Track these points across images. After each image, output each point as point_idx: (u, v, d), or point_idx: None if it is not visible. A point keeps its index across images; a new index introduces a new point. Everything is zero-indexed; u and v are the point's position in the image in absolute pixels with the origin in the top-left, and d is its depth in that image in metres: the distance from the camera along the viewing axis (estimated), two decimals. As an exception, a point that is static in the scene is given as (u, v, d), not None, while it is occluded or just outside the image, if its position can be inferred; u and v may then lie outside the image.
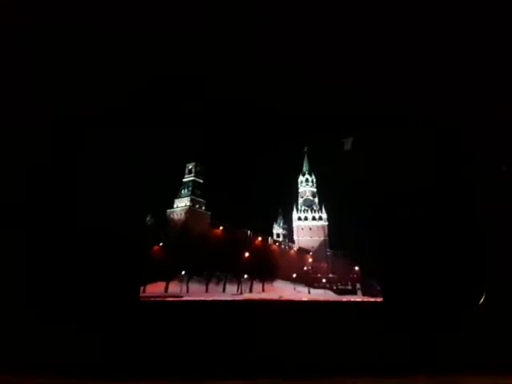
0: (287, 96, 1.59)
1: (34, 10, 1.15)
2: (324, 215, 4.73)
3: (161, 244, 3.44)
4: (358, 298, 3.50)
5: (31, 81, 1.30)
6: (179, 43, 1.31)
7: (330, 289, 3.96)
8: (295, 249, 4.66)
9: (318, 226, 4.79)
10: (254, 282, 3.76)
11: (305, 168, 4.90)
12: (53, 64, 1.31)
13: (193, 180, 4.61)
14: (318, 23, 1.20)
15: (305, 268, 4.28)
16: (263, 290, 3.79)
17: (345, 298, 3.56)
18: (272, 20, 1.20)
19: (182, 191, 4.62)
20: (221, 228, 4.18)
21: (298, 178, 4.93)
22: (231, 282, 3.69)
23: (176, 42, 1.29)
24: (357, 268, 3.68)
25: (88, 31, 1.21)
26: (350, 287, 3.78)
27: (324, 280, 4.06)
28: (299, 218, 4.86)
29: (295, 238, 4.79)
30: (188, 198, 4.58)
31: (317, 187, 4.86)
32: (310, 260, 4.47)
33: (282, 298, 3.40)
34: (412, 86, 1.42)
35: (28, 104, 1.35)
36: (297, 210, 4.92)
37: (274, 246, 4.54)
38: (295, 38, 1.27)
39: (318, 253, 4.59)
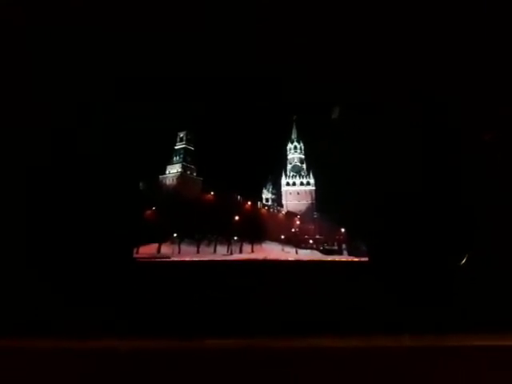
0: (276, 66, 1.63)
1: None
2: (312, 180, 4.88)
3: (153, 208, 3.51)
4: (343, 257, 3.61)
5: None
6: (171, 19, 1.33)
7: (317, 249, 4.09)
8: (283, 212, 4.80)
9: (305, 191, 4.92)
10: (244, 244, 3.90)
11: (293, 135, 4.94)
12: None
13: (184, 147, 4.67)
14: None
15: (292, 230, 4.42)
16: (252, 251, 3.92)
17: (331, 258, 3.67)
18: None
19: (174, 158, 4.68)
20: (212, 193, 4.24)
21: (286, 145, 5.00)
22: (222, 243, 3.85)
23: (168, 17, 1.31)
24: (343, 230, 3.78)
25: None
26: (336, 247, 3.90)
27: (311, 241, 4.20)
28: (287, 184, 4.99)
29: (284, 202, 4.92)
30: (179, 165, 4.64)
31: (305, 154, 4.94)
32: (298, 222, 4.60)
33: (268, 258, 3.57)
34: (400, 54, 1.44)
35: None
36: (285, 175, 5.04)
37: (263, 210, 4.67)
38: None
39: (305, 216, 4.73)
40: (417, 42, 1.27)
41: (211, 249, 3.76)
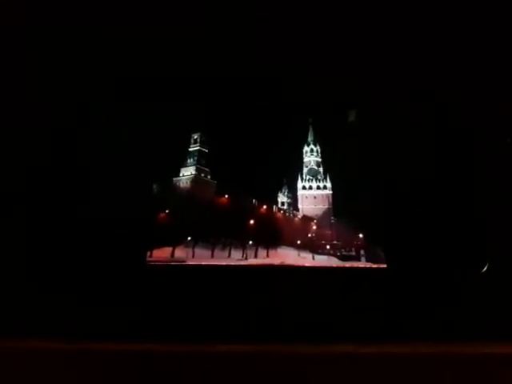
0: (291, 67, 1.56)
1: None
2: (328, 184, 4.70)
3: (167, 211, 3.46)
4: (361, 264, 3.50)
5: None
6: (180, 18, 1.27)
7: (334, 255, 3.95)
8: (299, 216, 4.67)
9: (322, 195, 4.78)
10: (259, 248, 3.74)
11: (309, 138, 4.81)
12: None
13: (198, 150, 4.59)
14: None
15: (309, 235, 4.26)
16: (268, 256, 3.74)
17: (348, 264, 3.57)
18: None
19: (188, 160, 4.61)
20: (226, 196, 4.11)
21: (302, 148, 4.91)
22: (236, 247, 3.62)
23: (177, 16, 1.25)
24: (361, 235, 3.67)
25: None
26: (353, 253, 3.77)
27: (328, 246, 4.04)
28: (304, 187, 4.87)
29: (300, 206, 4.78)
30: (193, 167, 4.58)
31: (322, 157, 4.83)
32: (314, 227, 4.47)
33: (284, 263, 3.40)
34: (411, 52, 1.38)
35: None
36: (301, 179, 4.91)
37: (279, 214, 4.57)
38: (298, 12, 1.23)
39: (322, 220, 4.58)
40: (422, 42, 1.17)
41: (226, 253, 3.65)
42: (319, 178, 4.91)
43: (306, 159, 5.00)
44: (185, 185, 4.48)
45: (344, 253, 3.88)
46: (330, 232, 4.35)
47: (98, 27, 1.28)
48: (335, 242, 4.09)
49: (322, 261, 3.85)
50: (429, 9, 1.24)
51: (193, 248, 3.54)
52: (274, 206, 4.54)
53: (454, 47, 1.40)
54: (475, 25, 1.27)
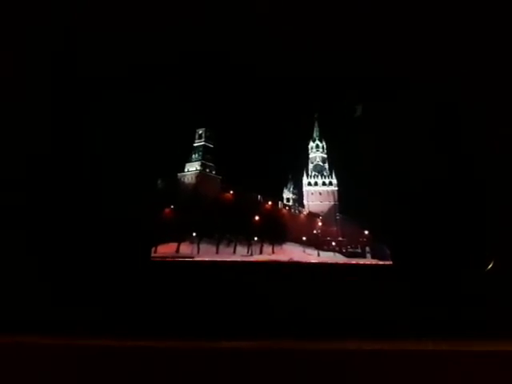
0: (296, 60, 1.53)
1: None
2: (334, 180, 4.68)
3: (172, 207, 3.45)
4: (367, 261, 3.49)
5: None
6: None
7: (340, 252, 3.98)
8: (305, 213, 4.62)
9: (327, 191, 4.73)
10: (264, 245, 3.75)
11: (315, 134, 4.77)
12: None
13: (203, 145, 4.57)
14: None
15: (314, 231, 4.28)
16: (273, 252, 3.78)
17: (354, 261, 3.56)
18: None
19: (193, 156, 4.60)
20: (231, 192, 4.15)
21: (308, 144, 4.86)
22: (241, 243, 3.70)
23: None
24: (366, 232, 3.66)
25: None
26: (359, 250, 3.75)
27: (333, 243, 4.07)
28: (309, 184, 4.80)
29: (305, 202, 4.73)
30: (198, 163, 4.56)
31: (327, 153, 4.79)
32: (320, 224, 4.44)
33: (293, 260, 3.42)
34: (418, 46, 1.34)
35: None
36: (307, 175, 4.84)
37: (284, 210, 4.53)
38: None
39: (327, 217, 4.55)
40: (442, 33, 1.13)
41: (231, 249, 3.66)
42: (325, 174, 4.84)
43: (311, 155, 4.94)
44: (190, 180, 4.47)
45: (350, 249, 3.92)
46: (335, 228, 4.33)
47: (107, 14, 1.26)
48: (341, 239, 4.10)
49: (327, 257, 3.85)
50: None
51: (198, 244, 3.53)
52: (280, 202, 4.51)
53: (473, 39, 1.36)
54: (481, 20, 1.24)
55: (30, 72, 1.38)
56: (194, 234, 3.62)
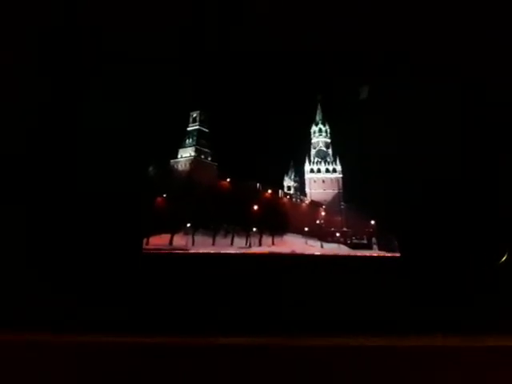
0: (296, 39, 1.41)
1: None
2: (338, 167, 4.66)
3: (164, 195, 3.33)
4: (373, 252, 3.45)
5: None
6: None
7: (344, 243, 3.96)
8: (307, 202, 4.61)
9: (331, 179, 4.69)
10: (264, 236, 3.72)
11: (318, 117, 4.72)
12: None
13: (198, 129, 4.44)
14: None
15: (317, 221, 4.25)
16: (273, 244, 3.73)
17: (359, 253, 3.51)
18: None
19: (187, 141, 4.46)
20: (228, 180, 4.07)
21: (310, 128, 4.80)
22: (239, 235, 3.70)
23: None
24: (373, 222, 3.64)
25: None
26: (365, 241, 3.73)
27: (338, 234, 4.05)
28: (312, 171, 4.75)
29: (307, 190, 4.71)
30: (193, 148, 4.43)
31: (331, 138, 4.72)
32: (323, 213, 4.42)
33: (295, 252, 3.41)
34: (432, 22, 1.20)
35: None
36: (309, 161, 4.80)
37: (285, 199, 4.48)
38: None
39: (331, 206, 4.53)
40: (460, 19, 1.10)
41: (228, 240, 3.62)
42: (328, 160, 4.78)
43: (314, 140, 4.89)
44: (183, 167, 4.34)
45: (355, 241, 3.86)
46: (339, 218, 4.28)
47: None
48: (345, 230, 4.03)
49: (331, 249, 3.79)
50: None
51: (193, 235, 3.53)
52: (280, 191, 4.47)
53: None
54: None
55: (20, 50, 1.28)
56: (189, 225, 3.64)
